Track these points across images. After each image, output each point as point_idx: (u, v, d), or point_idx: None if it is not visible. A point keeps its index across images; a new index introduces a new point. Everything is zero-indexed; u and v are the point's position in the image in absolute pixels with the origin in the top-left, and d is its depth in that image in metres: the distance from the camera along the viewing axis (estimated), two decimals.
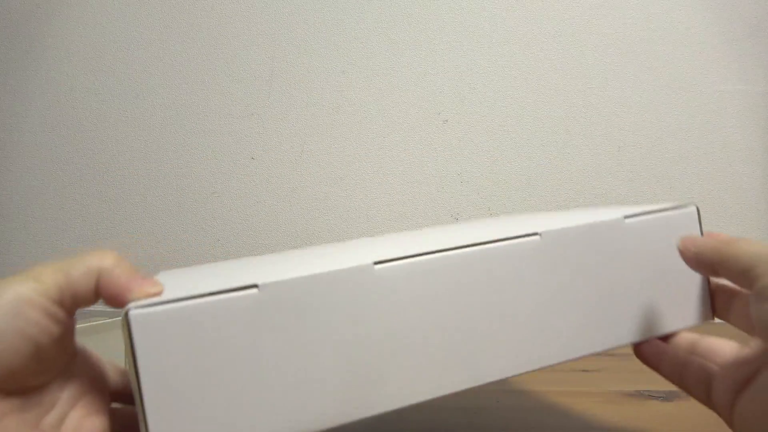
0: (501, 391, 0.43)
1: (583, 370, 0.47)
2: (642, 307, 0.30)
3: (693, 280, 0.31)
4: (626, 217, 0.30)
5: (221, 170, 0.71)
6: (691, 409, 0.40)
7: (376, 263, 0.24)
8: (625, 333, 0.30)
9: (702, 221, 0.32)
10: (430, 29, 0.70)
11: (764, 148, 0.71)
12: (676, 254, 0.29)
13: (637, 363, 0.48)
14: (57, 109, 0.71)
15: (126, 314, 0.21)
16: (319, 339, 0.23)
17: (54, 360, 0.24)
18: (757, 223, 0.73)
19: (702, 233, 0.32)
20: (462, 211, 0.72)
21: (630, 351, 0.45)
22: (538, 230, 0.28)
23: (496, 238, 0.27)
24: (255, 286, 0.22)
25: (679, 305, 0.31)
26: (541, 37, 0.70)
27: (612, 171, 0.71)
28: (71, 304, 0.24)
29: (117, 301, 0.23)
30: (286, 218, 0.72)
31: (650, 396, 0.42)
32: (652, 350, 0.31)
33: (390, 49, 0.70)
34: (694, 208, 0.32)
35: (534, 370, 0.28)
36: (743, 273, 0.25)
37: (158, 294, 0.23)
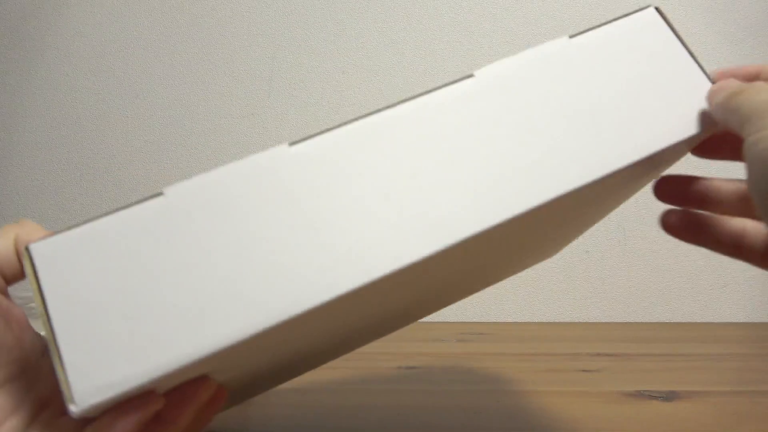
0: (501, 391, 0.43)
1: (583, 370, 0.47)
2: (627, 126, 0.25)
3: (683, 88, 0.27)
4: (571, 36, 0.27)
5: None
6: (691, 409, 0.40)
7: (291, 144, 0.22)
8: (615, 155, 0.25)
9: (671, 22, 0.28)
10: (430, 29, 0.70)
11: None
12: (647, 65, 0.26)
13: (637, 363, 0.48)
14: (57, 109, 0.71)
15: (27, 249, 0.19)
16: (237, 237, 0.21)
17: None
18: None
19: (676, 35, 0.29)
20: None
21: (630, 351, 0.45)
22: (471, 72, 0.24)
23: (425, 90, 0.24)
24: (160, 194, 0.21)
25: (672, 116, 0.26)
26: (541, 37, 0.70)
27: None
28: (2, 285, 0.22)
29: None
30: None
31: (650, 396, 0.42)
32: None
33: (390, 49, 0.70)
34: (652, 10, 0.28)
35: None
36: (740, 128, 0.23)
37: None
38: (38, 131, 0.71)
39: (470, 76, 0.24)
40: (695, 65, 0.28)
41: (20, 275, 0.23)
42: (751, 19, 0.69)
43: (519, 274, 0.46)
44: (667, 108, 0.26)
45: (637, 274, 0.68)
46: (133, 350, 0.19)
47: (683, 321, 0.66)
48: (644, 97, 0.26)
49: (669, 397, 0.42)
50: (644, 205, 0.72)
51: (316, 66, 0.70)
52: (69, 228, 0.20)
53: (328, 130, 0.23)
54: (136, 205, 0.21)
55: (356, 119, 0.24)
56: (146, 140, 0.71)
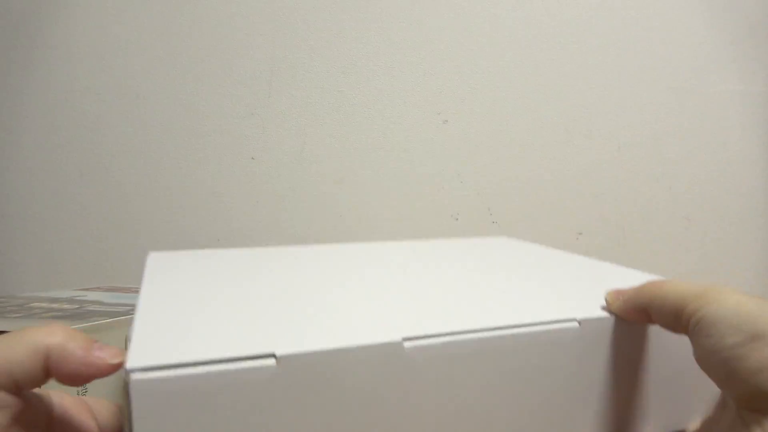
0: None
1: None
2: (666, 404, 0.28)
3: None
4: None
5: (221, 170, 0.71)
6: None
7: (405, 339, 0.23)
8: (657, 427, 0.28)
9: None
10: (430, 29, 0.70)
11: (764, 148, 0.71)
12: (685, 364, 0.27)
13: None
14: (57, 109, 0.71)
15: (126, 377, 0.19)
16: (340, 416, 0.22)
17: None
18: (757, 223, 0.73)
19: None
20: (462, 211, 0.72)
21: None
22: (576, 316, 0.26)
23: (532, 321, 0.25)
24: (272, 355, 0.21)
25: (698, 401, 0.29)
26: (541, 37, 0.70)
27: (612, 171, 0.71)
28: (15, 387, 0.21)
29: (76, 380, 0.21)
30: (286, 218, 0.72)
31: None
32: None
33: (390, 49, 0.70)
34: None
35: None
36: (675, 314, 0.24)
37: (121, 365, 0.21)
38: (38, 131, 0.71)
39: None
40: None
41: (40, 382, 0.21)
42: (751, 19, 0.69)
43: None
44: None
45: None
46: None
47: None
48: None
49: None
50: (644, 205, 0.72)
51: (316, 66, 0.70)
52: (170, 366, 0.19)
53: (445, 335, 0.24)
54: (246, 361, 0.20)
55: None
56: (146, 140, 0.71)
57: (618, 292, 0.28)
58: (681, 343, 0.27)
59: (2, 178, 0.72)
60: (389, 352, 0.22)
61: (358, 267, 0.36)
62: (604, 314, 0.27)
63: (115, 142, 0.71)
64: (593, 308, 0.28)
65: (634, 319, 0.27)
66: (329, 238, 0.72)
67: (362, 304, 0.27)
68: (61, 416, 0.24)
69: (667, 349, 0.28)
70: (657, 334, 0.28)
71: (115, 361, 0.21)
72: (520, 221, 0.72)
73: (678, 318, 0.24)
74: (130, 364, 0.19)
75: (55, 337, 0.21)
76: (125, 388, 0.19)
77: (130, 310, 0.45)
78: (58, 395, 0.24)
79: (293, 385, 0.21)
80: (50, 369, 0.21)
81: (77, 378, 0.21)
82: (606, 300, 0.28)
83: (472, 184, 0.71)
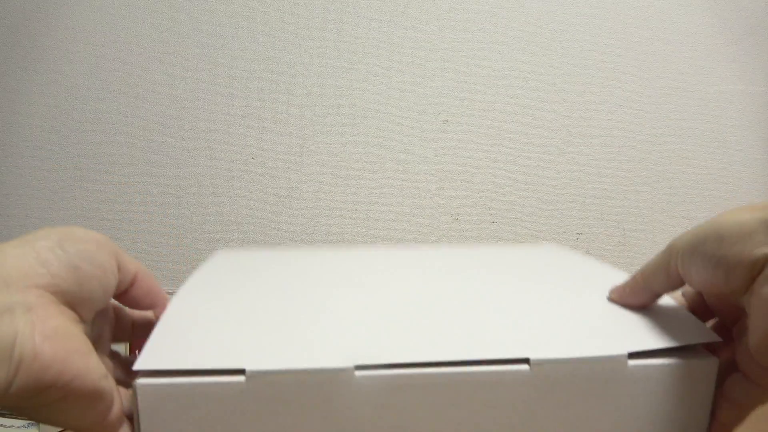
0: None
1: None
2: None
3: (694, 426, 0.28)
4: (630, 355, 0.26)
5: (221, 170, 0.71)
6: None
7: (357, 368, 0.25)
8: None
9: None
10: (430, 29, 0.70)
11: (764, 148, 0.71)
12: (682, 405, 0.27)
13: None
14: (57, 109, 0.71)
15: (134, 382, 0.24)
16: (296, 429, 0.25)
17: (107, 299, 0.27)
18: None
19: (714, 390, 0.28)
20: (462, 211, 0.72)
21: None
22: (529, 355, 0.26)
23: (482, 358, 0.26)
24: (242, 371, 0.24)
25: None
26: (541, 37, 0.70)
27: (612, 171, 0.71)
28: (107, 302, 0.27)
29: (147, 300, 0.28)
30: (286, 218, 0.72)
31: None
32: None
33: (390, 49, 0.70)
34: (714, 361, 0.27)
35: None
36: (665, 271, 0.28)
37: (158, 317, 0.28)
38: (38, 131, 0.71)
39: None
40: None
41: (124, 285, 0.27)
42: (751, 19, 0.69)
43: None
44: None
45: None
46: None
47: None
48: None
49: None
50: (644, 205, 0.72)
51: (316, 66, 0.70)
52: (166, 373, 0.24)
53: (396, 366, 0.25)
54: (220, 376, 0.24)
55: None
56: (146, 140, 0.71)
57: (619, 289, 0.31)
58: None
59: (2, 178, 0.72)
60: (341, 378, 0.25)
61: (380, 280, 0.36)
62: (558, 355, 0.26)
63: (115, 142, 0.71)
64: (547, 347, 0.27)
65: (642, 300, 0.30)
66: (329, 238, 0.72)
67: (354, 324, 0.28)
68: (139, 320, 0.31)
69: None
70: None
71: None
72: (520, 221, 0.72)
73: (668, 275, 0.28)
74: (137, 365, 0.24)
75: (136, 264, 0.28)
76: (134, 391, 0.24)
77: None
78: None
79: (257, 397, 0.24)
80: (136, 281, 0.28)
81: (147, 299, 0.28)
82: (612, 297, 0.31)
83: (472, 184, 0.71)
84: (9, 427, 0.36)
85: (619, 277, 0.34)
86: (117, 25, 0.70)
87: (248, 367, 0.24)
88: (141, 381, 0.24)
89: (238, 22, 0.70)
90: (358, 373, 0.25)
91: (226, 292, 0.32)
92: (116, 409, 0.25)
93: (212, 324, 0.28)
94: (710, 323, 0.31)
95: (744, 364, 0.27)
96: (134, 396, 0.24)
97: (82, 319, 0.24)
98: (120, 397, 0.25)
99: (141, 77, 0.70)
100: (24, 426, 0.36)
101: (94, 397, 0.23)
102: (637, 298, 0.30)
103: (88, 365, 0.23)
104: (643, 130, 0.71)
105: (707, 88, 0.70)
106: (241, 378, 0.24)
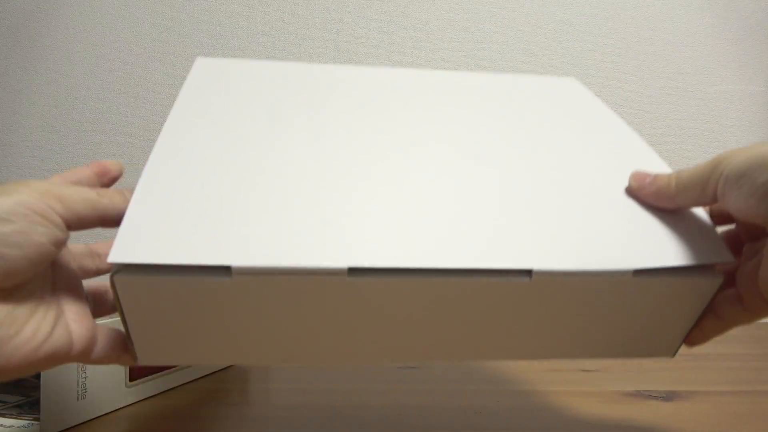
0: (501, 391, 0.43)
1: (583, 370, 0.47)
2: (613, 338, 0.28)
3: (674, 332, 0.29)
4: (636, 272, 0.25)
5: None
6: (691, 408, 0.40)
7: (350, 271, 0.23)
8: (588, 352, 0.29)
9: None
10: (430, 29, 0.70)
11: None
12: (673, 313, 0.27)
13: (638, 363, 0.48)
14: (57, 109, 0.71)
15: (112, 276, 0.23)
16: (283, 322, 0.24)
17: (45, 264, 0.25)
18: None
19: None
20: None
21: None
22: (532, 266, 0.25)
23: (482, 267, 0.24)
24: (227, 268, 0.23)
25: (647, 343, 0.29)
26: (541, 37, 0.70)
27: None
28: (73, 223, 0.25)
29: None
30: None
31: (650, 396, 0.42)
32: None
33: (390, 49, 0.70)
34: (719, 280, 0.27)
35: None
36: (701, 188, 0.26)
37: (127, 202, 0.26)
38: (38, 131, 0.71)
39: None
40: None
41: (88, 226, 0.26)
42: (751, 19, 0.69)
43: None
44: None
45: None
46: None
47: None
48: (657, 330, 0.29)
49: (669, 396, 0.42)
50: None
51: None
52: (146, 268, 0.23)
53: (391, 271, 0.24)
54: (203, 274, 0.23)
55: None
56: (146, 140, 0.71)
57: (644, 177, 0.29)
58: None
59: (2, 178, 0.72)
60: (334, 280, 0.23)
61: (379, 155, 0.30)
62: (561, 266, 0.25)
63: (115, 142, 0.71)
64: (549, 257, 0.25)
65: (663, 204, 0.28)
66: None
67: (352, 210, 0.26)
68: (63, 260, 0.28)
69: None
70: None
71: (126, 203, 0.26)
72: None
73: (704, 191, 0.25)
74: (110, 257, 0.22)
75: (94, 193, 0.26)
76: (113, 285, 0.23)
77: None
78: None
79: (243, 293, 0.23)
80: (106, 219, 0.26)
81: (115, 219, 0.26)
82: (632, 184, 0.29)
83: None
84: (9, 427, 0.36)
85: (647, 157, 0.33)
86: (117, 25, 0.70)
87: (234, 263, 0.23)
88: (119, 276, 0.23)
89: (238, 22, 0.70)
90: (350, 278, 0.23)
91: (207, 157, 0.28)
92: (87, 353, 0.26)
93: (193, 203, 0.25)
94: (723, 229, 0.29)
95: (743, 287, 0.27)
96: (113, 290, 0.23)
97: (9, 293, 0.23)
98: (91, 339, 0.26)
99: (141, 77, 0.70)
100: (24, 426, 0.36)
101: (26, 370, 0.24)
102: (658, 201, 0.28)
103: (13, 343, 0.23)
104: (643, 130, 0.71)
105: (707, 88, 0.70)
106: (225, 278, 0.23)
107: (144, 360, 0.26)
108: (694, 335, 0.29)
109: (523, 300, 0.25)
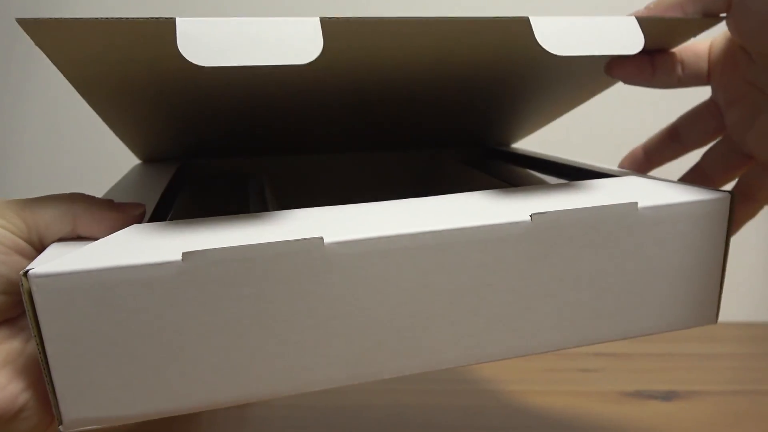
0: (501, 391, 0.44)
1: (583, 370, 0.47)
2: (640, 304, 0.26)
3: (708, 279, 0.27)
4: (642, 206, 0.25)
5: None
6: (690, 408, 0.40)
7: (327, 240, 0.21)
8: (613, 330, 0.26)
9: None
10: None
11: None
12: (692, 250, 0.26)
13: (637, 363, 0.48)
14: (57, 109, 0.71)
15: (25, 274, 0.18)
16: (250, 316, 0.20)
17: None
18: (756, 223, 0.73)
19: (730, 226, 0.27)
20: None
21: (629, 351, 0.45)
22: (529, 211, 0.23)
23: (478, 223, 0.22)
24: (177, 259, 0.19)
25: (683, 305, 0.27)
26: None
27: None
28: (40, 244, 0.22)
29: (105, 231, 0.23)
30: None
31: (650, 396, 0.42)
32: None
33: None
34: (727, 196, 0.26)
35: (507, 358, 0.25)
36: None
37: (143, 213, 0.23)
38: (38, 131, 0.71)
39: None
40: None
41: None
42: None
43: None
44: (685, 297, 0.27)
45: None
46: (123, 393, 0.20)
47: None
48: (672, 280, 0.27)
49: (668, 396, 0.42)
50: None
51: None
52: (72, 270, 0.19)
53: (368, 240, 0.21)
54: (151, 265, 0.19)
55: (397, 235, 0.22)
56: None
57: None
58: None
59: (2, 178, 0.72)
60: (308, 251, 0.20)
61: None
62: (561, 206, 0.24)
63: (115, 142, 0.71)
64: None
65: (671, 14, 0.28)
66: None
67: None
68: None
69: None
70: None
71: (137, 211, 0.23)
72: None
73: None
74: (32, 272, 0.18)
75: (78, 204, 0.23)
76: (27, 291, 0.18)
77: None
78: None
79: (200, 282, 0.20)
80: (80, 231, 0.22)
81: (107, 229, 0.22)
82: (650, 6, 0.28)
83: None
84: None
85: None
86: None
87: (185, 248, 0.19)
88: (36, 272, 0.18)
89: None
90: (329, 244, 0.21)
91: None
92: None
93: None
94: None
95: (735, 142, 0.28)
96: (25, 296, 0.18)
97: None
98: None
99: None
100: None
101: None
102: (666, 10, 0.28)
103: None
104: (643, 130, 0.71)
105: (707, 88, 0.70)
106: (177, 261, 0.19)
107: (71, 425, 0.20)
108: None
109: (524, 249, 0.23)
